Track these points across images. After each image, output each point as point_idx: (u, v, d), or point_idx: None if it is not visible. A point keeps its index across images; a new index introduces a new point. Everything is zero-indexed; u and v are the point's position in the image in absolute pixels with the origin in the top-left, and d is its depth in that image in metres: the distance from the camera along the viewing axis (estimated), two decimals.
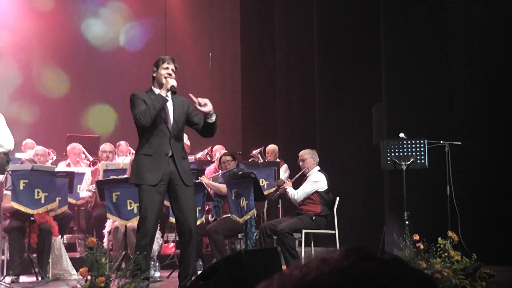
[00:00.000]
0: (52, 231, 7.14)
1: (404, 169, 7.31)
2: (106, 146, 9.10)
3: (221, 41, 12.88)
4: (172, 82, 5.60)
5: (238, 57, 12.48)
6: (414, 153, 7.34)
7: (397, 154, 7.38)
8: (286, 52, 11.30)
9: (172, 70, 5.70)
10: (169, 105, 5.68)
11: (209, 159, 9.90)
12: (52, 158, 9.40)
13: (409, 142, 7.37)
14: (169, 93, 5.63)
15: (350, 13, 9.54)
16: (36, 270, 6.88)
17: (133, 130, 11.02)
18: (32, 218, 7.04)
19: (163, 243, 7.89)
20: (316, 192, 7.62)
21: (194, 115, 5.83)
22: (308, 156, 7.84)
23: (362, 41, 9.40)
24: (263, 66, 11.80)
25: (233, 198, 7.35)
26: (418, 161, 7.34)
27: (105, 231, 7.52)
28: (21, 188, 6.99)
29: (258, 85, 11.87)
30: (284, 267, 5.32)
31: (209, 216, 7.79)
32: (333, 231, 7.58)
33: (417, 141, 7.35)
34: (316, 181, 7.66)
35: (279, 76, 11.51)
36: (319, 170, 7.78)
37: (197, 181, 7.71)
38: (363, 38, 9.39)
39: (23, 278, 6.88)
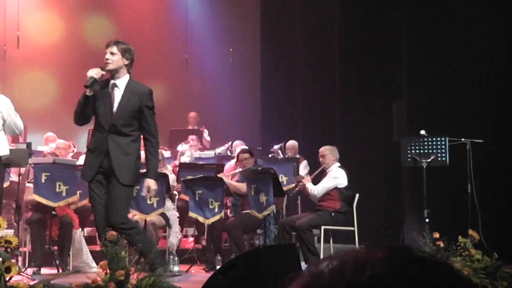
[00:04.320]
0: (72, 224, 7.20)
1: (424, 167, 7.27)
2: None
3: (241, 37, 12.88)
4: (91, 73, 5.07)
5: (258, 52, 12.48)
6: (435, 151, 7.30)
7: (417, 151, 7.34)
8: (306, 48, 11.27)
9: (111, 53, 5.14)
10: (117, 97, 5.20)
11: (229, 154, 9.92)
12: (73, 151, 9.47)
13: (430, 139, 7.33)
14: (114, 85, 5.18)
15: (372, 8, 9.49)
16: (57, 262, 6.94)
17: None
18: (53, 212, 7.10)
19: (182, 237, 7.92)
20: (336, 188, 7.60)
21: (143, 117, 5.29)
22: (328, 152, 7.82)
23: (384, 37, 9.36)
24: (283, 61, 11.78)
25: (252, 193, 7.36)
26: (439, 159, 7.30)
27: None
28: (43, 181, 7.05)
29: (278, 80, 11.85)
30: (303, 263, 5.32)
31: (228, 211, 7.80)
32: (352, 228, 7.56)
33: (438, 139, 7.30)
34: (336, 177, 7.64)
35: (299, 71, 11.49)
36: (339, 167, 7.76)
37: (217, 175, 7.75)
38: (384, 34, 9.34)
39: (44, 270, 6.94)
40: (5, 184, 7.84)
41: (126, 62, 5.14)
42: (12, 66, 11.87)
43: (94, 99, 5.21)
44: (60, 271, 6.85)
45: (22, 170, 7.28)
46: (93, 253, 7.31)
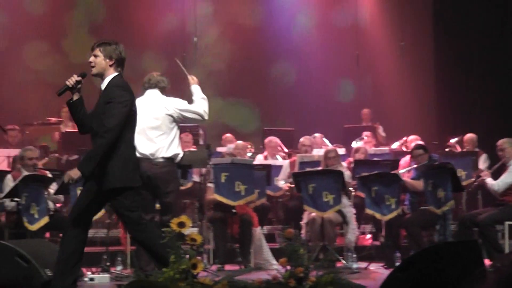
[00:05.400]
0: (252, 222, 7.43)
1: None
2: (305, 140, 9.26)
3: (413, 30, 12.60)
4: (69, 81, 4.83)
5: (431, 45, 12.16)
6: None
7: None
8: (481, 38, 10.82)
9: (94, 56, 4.89)
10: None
11: (404, 150, 9.76)
12: (250, 151, 9.75)
13: None
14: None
15: None
16: (239, 259, 7.19)
17: (322, 123, 11.13)
18: (233, 210, 7.36)
19: (359, 234, 7.90)
20: None
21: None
22: (507, 145, 7.48)
23: None
24: (457, 53, 11.37)
25: (429, 189, 7.20)
26: None
27: (303, 222, 7.67)
28: (223, 180, 7.33)
29: (452, 73, 11.46)
30: (486, 260, 5.11)
31: (405, 208, 7.67)
32: None
33: None
34: None
35: (475, 63, 11.06)
36: None
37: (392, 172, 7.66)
38: None
39: (227, 267, 7.21)
40: (188, 185, 8.27)
41: (111, 63, 4.88)
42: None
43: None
44: (243, 267, 7.09)
45: (203, 170, 7.60)
46: (272, 250, 7.49)
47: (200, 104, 6.28)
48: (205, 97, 6.36)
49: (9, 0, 11.91)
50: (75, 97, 4.86)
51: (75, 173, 4.73)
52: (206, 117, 6.33)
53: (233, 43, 12.74)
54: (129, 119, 4.84)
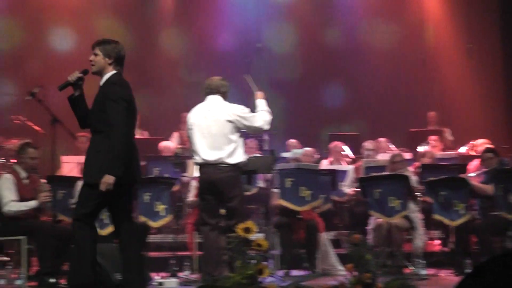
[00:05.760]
0: (318, 228, 7.40)
1: None
2: (368, 144, 9.20)
3: (480, 32, 12.35)
4: (71, 77, 5.02)
5: (499, 47, 11.90)
6: None
7: None
8: None
9: (94, 55, 5.05)
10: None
11: (473, 154, 9.56)
12: (315, 157, 9.71)
13: None
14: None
15: None
16: (306, 264, 7.17)
17: (383, 128, 10.96)
18: (299, 215, 7.35)
19: (427, 240, 7.77)
20: None
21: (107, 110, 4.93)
22: None
23: None
24: None
25: (500, 193, 7.04)
26: None
27: (369, 228, 7.60)
28: (288, 186, 7.33)
29: None
30: None
31: (475, 213, 7.50)
32: None
33: None
34: None
35: None
36: None
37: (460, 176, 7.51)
38: None
39: (294, 272, 7.20)
40: (253, 190, 8.30)
41: (110, 61, 5.02)
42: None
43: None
44: (309, 273, 7.07)
45: (268, 176, 7.61)
46: (339, 256, 7.44)
47: (261, 115, 6.24)
48: (269, 110, 6.31)
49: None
50: (76, 93, 5.04)
51: (108, 179, 4.76)
52: (265, 128, 6.27)
53: (301, 53, 12.74)
54: (129, 114, 4.93)
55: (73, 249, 5.05)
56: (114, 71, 5.02)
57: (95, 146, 4.94)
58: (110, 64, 5.01)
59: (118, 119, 4.82)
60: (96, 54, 5.01)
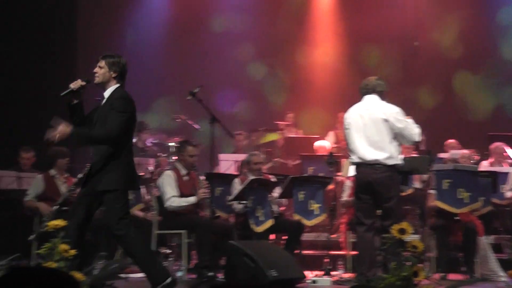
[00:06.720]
0: (477, 231, 7.14)
1: None
2: None
3: None
4: (74, 85, 5.12)
5: None
6: None
7: None
8: None
9: (98, 67, 5.20)
10: (101, 107, 5.22)
11: None
12: (474, 158, 9.36)
13: None
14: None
15: None
16: (463, 268, 6.94)
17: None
18: (456, 218, 7.13)
19: None
20: None
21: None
22: None
23: None
24: None
25: None
26: None
27: None
28: (445, 187, 7.14)
29: None
30: None
31: None
32: None
33: None
34: None
35: None
36: None
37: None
38: None
39: (451, 276, 7.00)
40: (409, 191, 8.15)
41: (114, 75, 5.15)
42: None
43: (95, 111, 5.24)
44: (467, 278, 6.84)
45: (425, 177, 7.44)
46: (500, 261, 7.12)
47: (414, 124, 6.17)
48: (418, 126, 6.22)
49: None
50: (75, 101, 5.20)
51: (66, 129, 4.96)
52: (417, 139, 6.19)
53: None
54: (129, 127, 5.15)
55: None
56: (118, 85, 5.23)
57: (101, 156, 5.07)
58: (114, 78, 5.21)
59: (114, 126, 5.02)
60: (101, 67, 5.20)
